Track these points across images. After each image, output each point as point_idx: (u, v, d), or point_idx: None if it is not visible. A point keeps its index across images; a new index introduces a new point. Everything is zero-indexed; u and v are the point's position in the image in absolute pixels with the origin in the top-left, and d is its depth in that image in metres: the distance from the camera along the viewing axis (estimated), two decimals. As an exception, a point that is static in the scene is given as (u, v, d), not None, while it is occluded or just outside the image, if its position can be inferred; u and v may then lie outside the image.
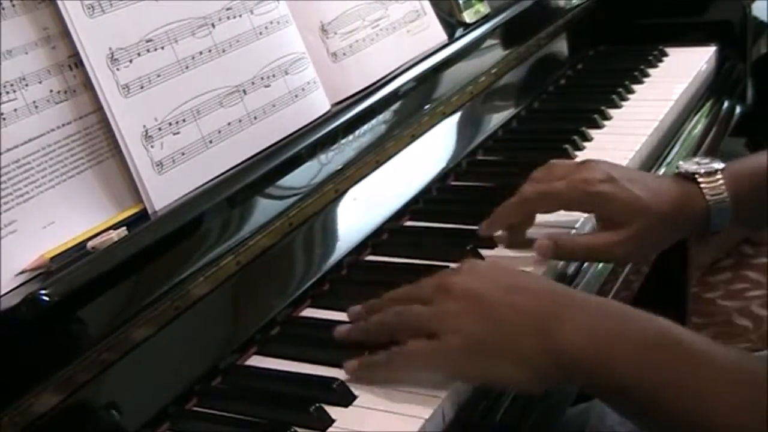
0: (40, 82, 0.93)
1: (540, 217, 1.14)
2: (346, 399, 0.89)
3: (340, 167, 1.17)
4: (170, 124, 1.01)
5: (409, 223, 1.25)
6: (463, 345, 0.86)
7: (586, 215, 1.16)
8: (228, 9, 1.10)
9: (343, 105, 1.22)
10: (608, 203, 1.08)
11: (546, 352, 0.84)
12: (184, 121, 1.02)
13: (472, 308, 0.88)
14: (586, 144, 1.43)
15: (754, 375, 0.79)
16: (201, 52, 1.06)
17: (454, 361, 0.87)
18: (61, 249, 0.90)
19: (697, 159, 1.12)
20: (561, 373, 0.84)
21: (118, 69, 0.97)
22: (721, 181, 1.09)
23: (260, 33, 1.13)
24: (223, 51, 1.08)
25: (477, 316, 0.87)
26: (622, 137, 1.44)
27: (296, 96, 1.15)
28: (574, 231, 1.15)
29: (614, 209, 1.07)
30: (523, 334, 0.85)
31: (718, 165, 1.10)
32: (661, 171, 1.40)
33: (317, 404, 0.87)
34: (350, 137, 1.20)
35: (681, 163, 1.14)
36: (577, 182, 1.08)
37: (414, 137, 1.31)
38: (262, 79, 1.12)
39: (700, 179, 1.09)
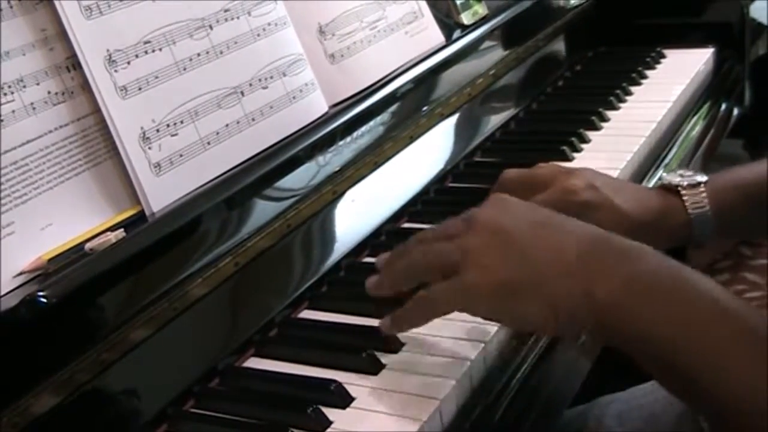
0: (38, 84, 0.93)
1: None
2: (343, 401, 0.89)
3: (338, 169, 1.17)
4: (168, 125, 1.01)
5: (407, 225, 1.25)
6: (487, 281, 0.84)
7: None
8: (226, 10, 1.10)
9: (341, 106, 1.22)
10: (591, 212, 1.06)
11: (578, 296, 0.81)
12: (182, 122, 1.02)
13: (496, 242, 0.86)
14: (583, 146, 1.43)
15: None
16: (199, 54, 1.06)
17: (477, 300, 0.85)
18: (59, 250, 0.90)
19: (680, 171, 1.12)
20: (590, 317, 0.81)
21: (115, 70, 0.97)
22: (703, 194, 1.09)
23: (258, 34, 1.13)
24: (221, 52, 1.08)
25: (501, 251, 0.85)
26: (620, 139, 1.44)
27: (294, 97, 1.15)
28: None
29: (597, 218, 1.06)
30: (555, 274, 0.83)
31: (701, 178, 1.10)
32: (659, 173, 1.40)
33: (315, 406, 0.87)
34: (348, 139, 1.20)
35: (664, 174, 1.14)
36: (561, 191, 1.08)
37: (412, 139, 1.31)
38: (260, 80, 1.12)
39: (682, 191, 1.09)
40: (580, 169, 1.12)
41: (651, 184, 1.36)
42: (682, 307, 0.80)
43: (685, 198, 1.09)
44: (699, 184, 1.09)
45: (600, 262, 0.83)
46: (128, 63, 0.99)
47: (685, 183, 1.10)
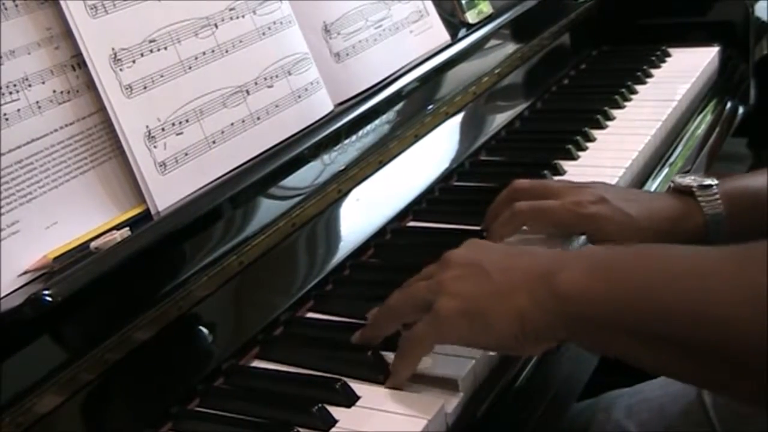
0: (43, 83, 0.93)
1: None
2: (348, 399, 0.89)
3: (343, 167, 1.17)
4: (173, 124, 1.01)
5: (411, 224, 1.25)
6: (460, 307, 0.86)
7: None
8: (231, 9, 1.10)
9: (346, 105, 1.22)
10: (602, 225, 1.07)
11: (544, 302, 0.83)
12: (187, 121, 1.02)
13: (467, 273, 0.88)
14: (589, 144, 1.43)
15: (751, 252, 0.77)
16: (204, 53, 1.06)
17: (450, 324, 0.87)
18: (64, 249, 0.90)
19: (690, 175, 1.13)
20: (560, 320, 0.83)
21: (121, 69, 0.97)
22: (716, 195, 1.09)
23: (263, 33, 1.13)
24: (226, 51, 1.08)
25: (474, 279, 0.87)
26: (625, 137, 1.44)
27: (299, 96, 1.15)
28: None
29: (609, 231, 1.07)
30: (520, 288, 0.85)
31: (713, 181, 1.10)
32: (664, 171, 1.40)
33: (320, 404, 0.87)
34: (353, 137, 1.20)
35: (675, 177, 1.14)
36: (570, 204, 1.08)
37: (417, 137, 1.31)
38: (265, 79, 1.12)
39: (697, 192, 1.09)
40: (592, 184, 1.12)
41: (656, 183, 1.36)
42: (649, 270, 0.81)
43: (699, 199, 1.08)
44: (711, 186, 1.09)
45: (561, 263, 0.85)
46: (133, 62, 0.99)
47: (697, 184, 1.10)
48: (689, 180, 1.11)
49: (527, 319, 0.84)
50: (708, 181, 1.10)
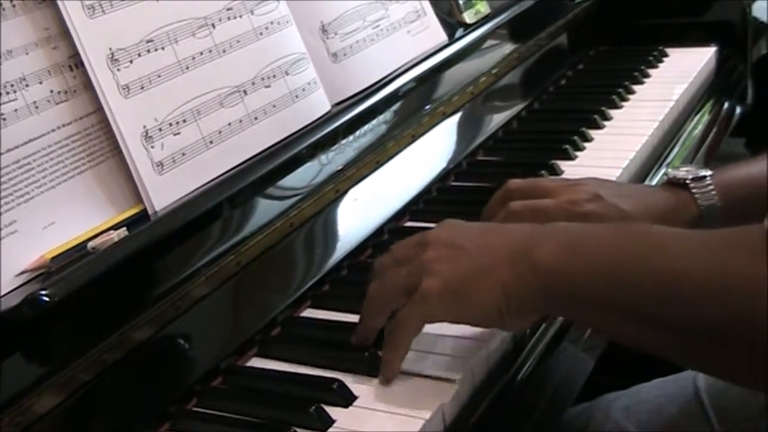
0: (41, 83, 0.93)
1: None
2: (346, 399, 0.89)
3: (340, 168, 1.17)
4: (170, 124, 1.01)
5: (409, 224, 1.25)
6: (442, 285, 0.87)
7: None
8: (228, 9, 1.10)
9: (343, 105, 1.22)
10: (595, 222, 1.07)
11: (524, 275, 0.85)
12: (184, 121, 1.02)
13: (448, 253, 0.89)
14: (586, 144, 1.43)
15: (726, 237, 0.80)
16: (201, 53, 1.06)
17: (436, 303, 0.88)
18: (62, 249, 0.90)
19: (684, 167, 1.13)
20: (538, 291, 0.85)
21: (118, 69, 0.97)
22: (711, 186, 1.09)
23: (261, 33, 1.13)
24: (224, 51, 1.08)
25: (454, 259, 0.88)
26: (622, 138, 1.44)
27: (297, 96, 1.15)
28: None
29: None
30: (500, 263, 0.86)
31: (707, 172, 1.10)
32: (662, 171, 1.40)
33: (317, 404, 0.87)
34: (350, 137, 1.20)
35: (670, 170, 1.14)
36: (564, 203, 1.08)
37: (414, 137, 1.31)
38: (262, 79, 1.12)
39: (691, 184, 1.09)
40: (585, 181, 1.12)
41: (654, 183, 1.36)
42: (621, 247, 0.84)
43: (694, 191, 1.09)
44: (705, 177, 1.09)
45: (538, 238, 0.87)
46: (131, 62, 0.99)
47: (692, 176, 1.10)
48: (683, 172, 1.11)
49: (510, 292, 0.86)
50: (702, 173, 1.10)
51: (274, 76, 1.13)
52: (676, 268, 0.79)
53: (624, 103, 1.59)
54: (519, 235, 0.89)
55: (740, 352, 0.75)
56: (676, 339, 0.80)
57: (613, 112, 1.54)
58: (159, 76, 1.01)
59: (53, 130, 0.93)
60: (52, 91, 0.94)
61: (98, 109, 0.96)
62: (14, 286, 0.86)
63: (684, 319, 0.78)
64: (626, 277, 0.81)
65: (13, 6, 0.92)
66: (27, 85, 0.91)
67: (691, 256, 0.80)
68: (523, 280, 0.85)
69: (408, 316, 0.89)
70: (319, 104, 1.19)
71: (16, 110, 0.90)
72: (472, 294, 0.87)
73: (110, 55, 0.97)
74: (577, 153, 1.40)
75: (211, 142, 1.04)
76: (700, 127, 1.59)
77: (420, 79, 1.34)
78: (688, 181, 1.09)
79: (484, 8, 1.55)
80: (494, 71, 1.52)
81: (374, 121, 1.25)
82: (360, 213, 1.19)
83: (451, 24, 1.49)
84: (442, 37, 1.44)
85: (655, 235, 0.84)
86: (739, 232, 0.79)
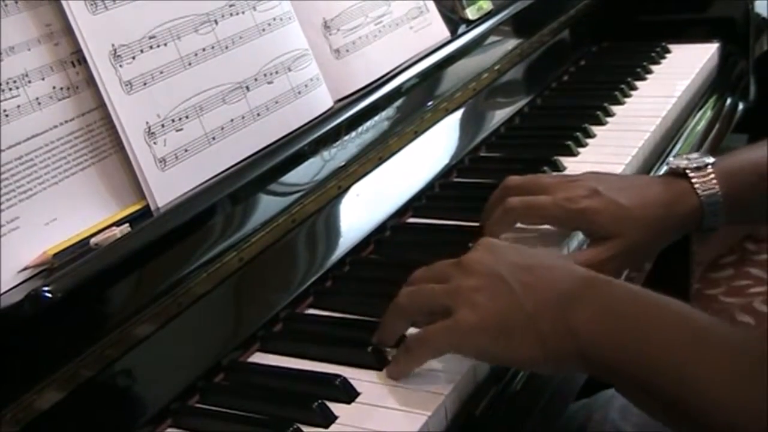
0: (43, 79, 0.93)
1: None
2: (348, 395, 0.89)
3: (342, 164, 1.17)
4: (173, 120, 1.01)
5: (411, 220, 1.25)
6: (480, 321, 0.85)
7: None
8: (231, 5, 1.09)
9: (346, 101, 1.22)
10: (594, 219, 1.06)
11: (562, 333, 0.83)
12: (187, 117, 1.02)
13: (488, 284, 0.87)
14: (588, 141, 1.43)
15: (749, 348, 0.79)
16: (204, 49, 1.05)
17: (470, 338, 0.86)
18: (64, 245, 0.90)
19: (687, 156, 1.12)
20: (575, 354, 0.83)
21: (120, 65, 0.97)
22: (712, 176, 1.08)
23: (263, 29, 1.13)
24: (226, 47, 1.08)
25: (493, 292, 0.86)
26: (624, 134, 1.44)
27: (299, 92, 1.15)
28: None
29: (601, 223, 1.06)
30: (541, 312, 0.84)
31: (709, 160, 1.10)
32: (663, 168, 1.40)
33: (320, 401, 0.87)
34: (353, 134, 1.20)
35: (671, 159, 1.13)
36: (561, 200, 1.08)
37: (417, 134, 1.31)
38: (265, 75, 1.12)
39: (691, 174, 1.09)
40: (583, 176, 1.12)
41: (658, 176, 1.36)
42: (653, 331, 0.82)
43: (693, 181, 1.08)
44: (706, 165, 1.09)
45: (579, 300, 0.84)
46: (133, 58, 0.99)
47: (693, 165, 1.09)
48: (684, 161, 1.10)
49: (548, 346, 0.84)
50: (705, 160, 1.09)
51: (277, 73, 1.13)
52: (715, 331, 0.80)
53: (626, 100, 1.59)
54: (564, 285, 0.86)
55: None
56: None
57: (615, 109, 1.54)
58: (161, 72, 1.01)
59: (56, 127, 0.93)
60: (54, 88, 0.93)
61: (101, 105, 0.96)
62: (16, 283, 0.86)
63: (696, 414, 0.78)
64: (649, 365, 0.80)
65: (16, 2, 0.92)
66: (29, 82, 0.91)
67: (713, 358, 0.79)
68: (560, 337, 0.83)
69: (437, 337, 0.88)
70: (322, 100, 1.19)
71: (18, 106, 0.90)
72: (511, 340, 0.85)
73: (113, 51, 0.97)
74: (580, 149, 1.40)
75: (213, 139, 1.04)
76: (703, 124, 1.59)
77: (422, 76, 1.34)
78: (688, 171, 1.09)
79: (486, 4, 1.55)
80: (497, 67, 1.52)
81: (376, 118, 1.25)
82: (362, 209, 1.19)
83: (454, 20, 1.48)
84: (445, 33, 1.44)
85: (690, 327, 0.82)
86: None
